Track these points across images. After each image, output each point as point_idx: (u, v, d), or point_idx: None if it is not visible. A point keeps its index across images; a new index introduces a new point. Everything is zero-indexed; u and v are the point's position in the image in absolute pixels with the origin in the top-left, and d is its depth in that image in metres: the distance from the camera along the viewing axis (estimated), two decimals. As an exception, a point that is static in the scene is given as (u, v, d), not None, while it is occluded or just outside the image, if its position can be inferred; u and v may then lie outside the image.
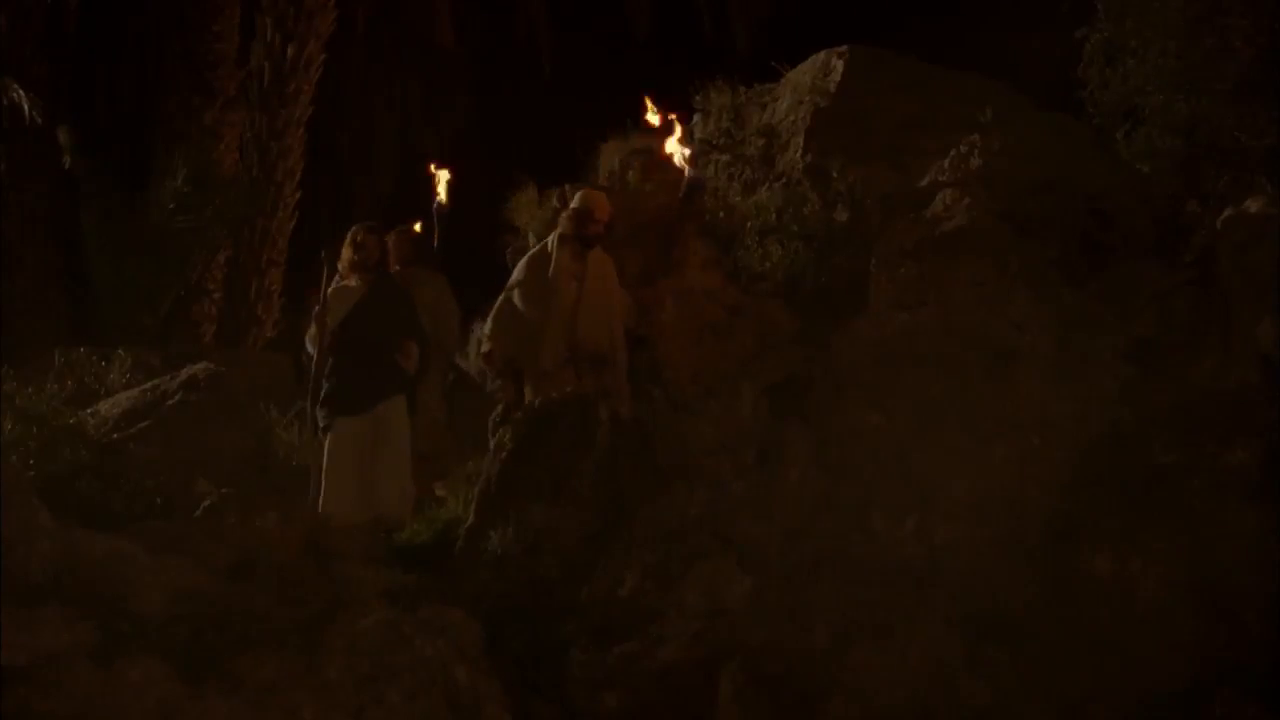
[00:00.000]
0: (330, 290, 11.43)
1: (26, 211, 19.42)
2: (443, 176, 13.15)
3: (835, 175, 12.62)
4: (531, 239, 12.98)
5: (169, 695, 5.88)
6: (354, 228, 11.95)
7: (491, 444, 9.60)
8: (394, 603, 7.47)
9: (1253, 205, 11.29)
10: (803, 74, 13.74)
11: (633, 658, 7.61)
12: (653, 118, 12.40)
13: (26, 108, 17.24)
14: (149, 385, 12.22)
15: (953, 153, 12.41)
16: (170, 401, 11.78)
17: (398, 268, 12.54)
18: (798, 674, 7.47)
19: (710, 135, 14.10)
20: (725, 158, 13.71)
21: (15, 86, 17.36)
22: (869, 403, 11.12)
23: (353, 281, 11.54)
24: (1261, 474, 10.40)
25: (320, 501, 10.62)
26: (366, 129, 28.41)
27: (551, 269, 11.55)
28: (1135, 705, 9.58)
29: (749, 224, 12.60)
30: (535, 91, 27.33)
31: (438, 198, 13.36)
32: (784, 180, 13.01)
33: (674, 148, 11.89)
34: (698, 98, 14.32)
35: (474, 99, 28.63)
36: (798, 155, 13.10)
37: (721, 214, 12.95)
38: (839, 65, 13.38)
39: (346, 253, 11.72)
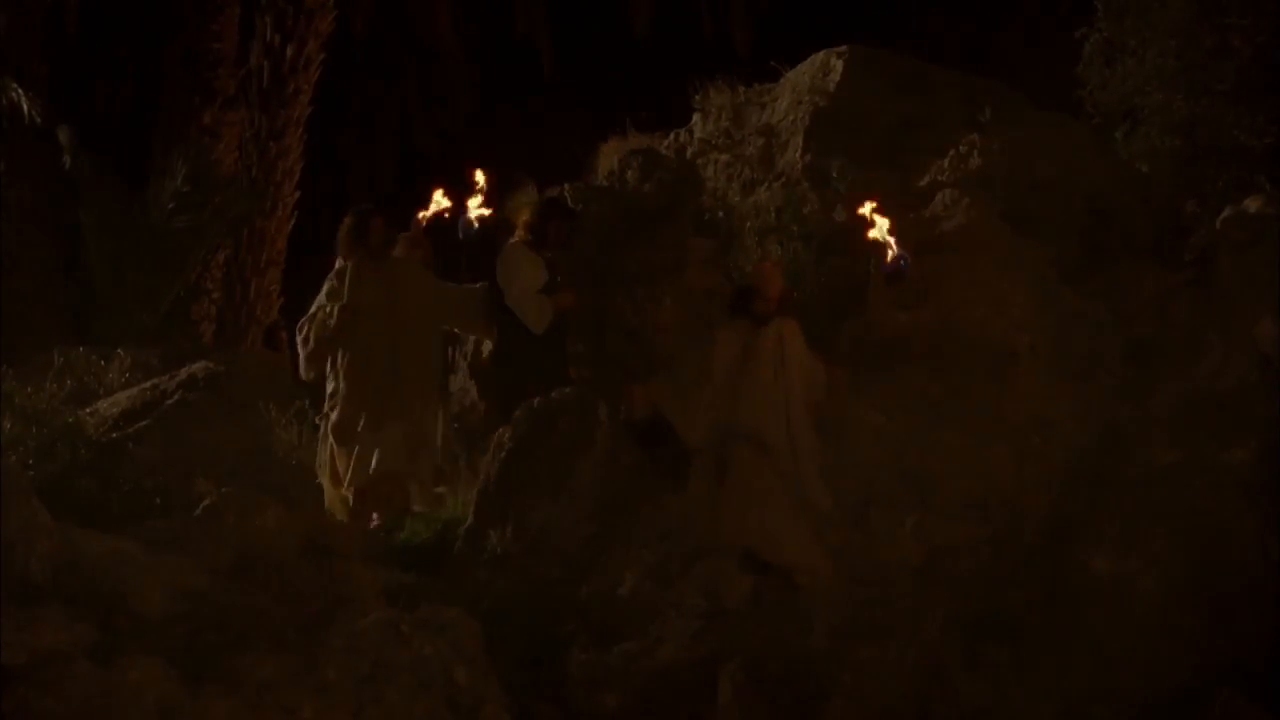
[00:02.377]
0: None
1: (26, 211, 19.37)
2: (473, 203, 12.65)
3: (835, 175, 12.60)
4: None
5: (168, 694, 5.88)
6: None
7: (491, 444, 9.60)
8: (393, 602, 7.48)
9: (1252, 205, 11.30)
10: (802, 74, 13.72)
11: (632, 657, 7.61)
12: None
13: (26, 107, 17.22)
14: (148, 385, 12.20)
15: (952, 153, 12.41)
16: (169, 401, 11.76)
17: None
18: (797, 674, 7.48)
19: (710, 135, 14.08)
20: (725, 157, 13.69)
21: (15, 86, 17.33)
22: (869, 402, 11.12)
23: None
24: (1260, 473, 10.41)
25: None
26: (366, 129, 28.38)
27: (715, 347, 11.06)
28: (1134, 705, 9.58)
29: (748, 224, 12.58)
30: (535, 91, 27.31)
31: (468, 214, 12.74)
32: (783, 180, 12.99)
33: (879, 233, 11.38)
34: (697, 97, 14.31)
35: (473, 98, 28.60)
36: (797, 155, 13.08)
37: (720, 213, 12.93)
38: (838, 65, 13.37)
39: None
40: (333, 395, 11.39)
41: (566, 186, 13.35)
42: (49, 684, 5.80)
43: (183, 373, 12.30)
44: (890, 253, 10.97)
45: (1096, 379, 10.69)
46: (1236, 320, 10.95)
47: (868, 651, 7.68)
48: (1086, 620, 10.13)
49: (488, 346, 11.96)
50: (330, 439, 11.29)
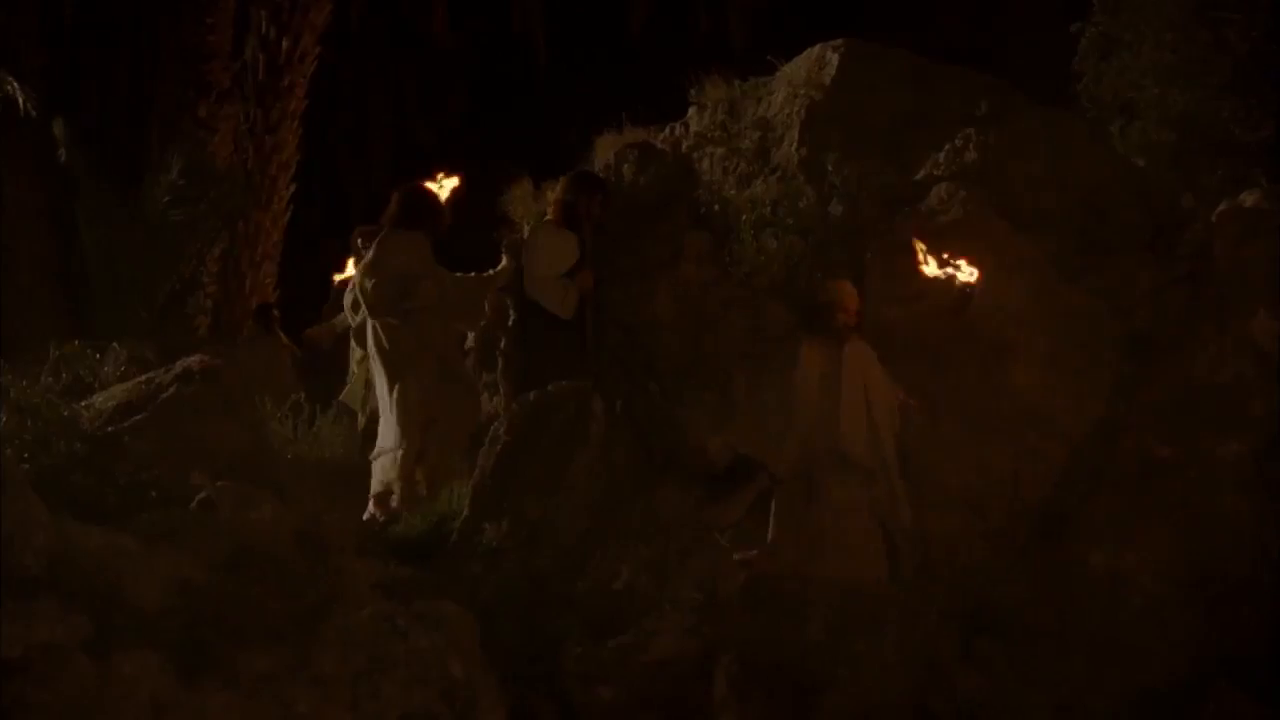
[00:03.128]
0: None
1: (21, 204, 19.36)
2: (449, 185, 12.62)
3: (830, 169, 12.59)
4: (527, 232, 12.93)
5: (163, 687, 5.88)
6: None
7: (486, 437, 9.60)
8: (389, 595, 7.46)
9: (1248, 199, 11.31)
10: (798, 67, 13.71)
11: (628, 650, 7.61)
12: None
13: (21, 100, 17.20)
14: (144, 378, 12.17)
15: (948, 147, 12.41)
16: (165, 394, 11.72)
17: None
18: (793, 667, 7.48)
19: (705, 129, 14.07)
20: (720, 151, 13.67)
21: (10, 79, 17.32)
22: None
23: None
24: (1256, 467, 10.42)
25: None
26: (361, 122, 28.40)
27: (797, 367, 10.97)
28: (1130, 699, 9.59)
29: (744, 217, 12.57)
30: (530, 84, 27.32)
31: None
32: (779, 174, 12.98)
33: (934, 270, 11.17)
34: (693, 91, 14.30)
35: (469, 92, 28.61)
36: (793, 149, 13.08)
37: (716, 207, 12.92)
38: (834, 59, 13.35)
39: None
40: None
41: (562, 179, 13.34)
42: (44, 677, 5.80)
43: (178, 366, 12.28)
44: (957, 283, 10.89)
45: (1093, 373, 10.70)
46: (1233, 315, 10.96)
47: (864, 645, 7.68)
48: (1083, 614, 10.14)
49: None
50: None
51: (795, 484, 10.57)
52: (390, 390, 11.26)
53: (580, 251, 11.37)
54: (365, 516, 10.92)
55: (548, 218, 11.72)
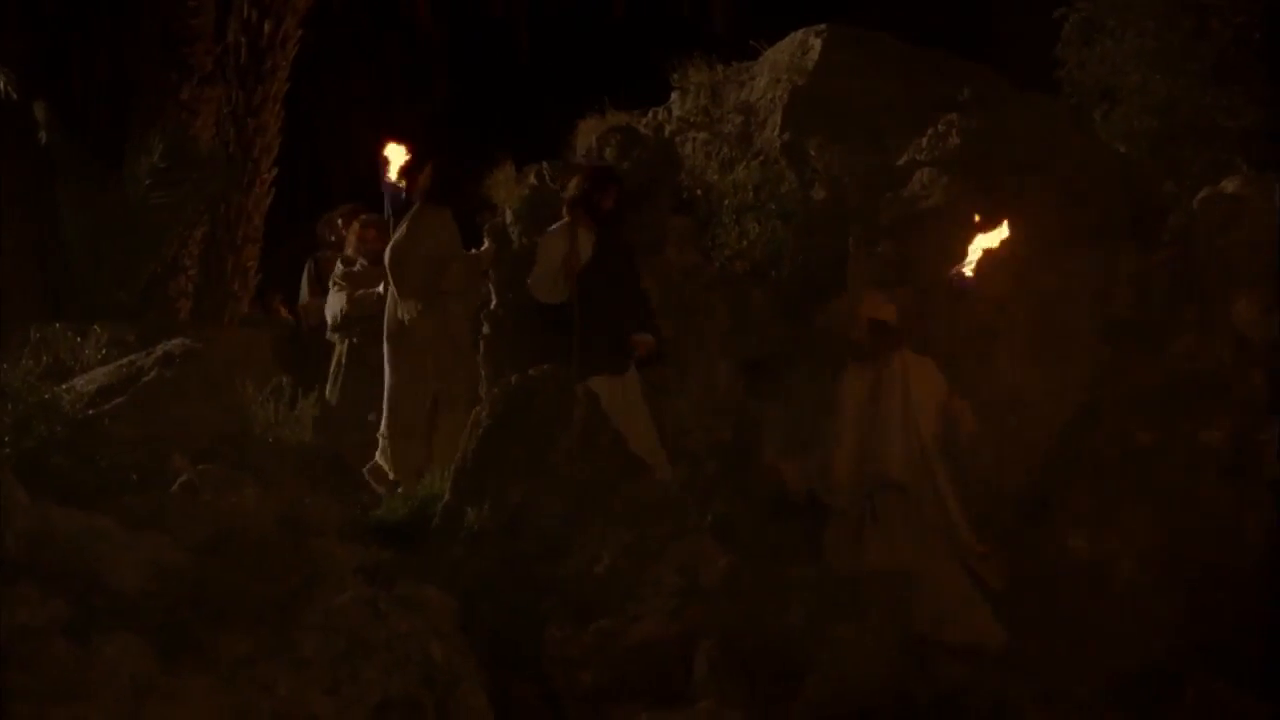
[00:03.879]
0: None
1: (2, 187, 19.31)
2: (398, 155, 12.44)
3: (813, 154, 12.60)
4: (509, 216, 12.92)
5: (144, 671, 5.87)
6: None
7: (469, 421, 9.59)
8: (370, 579, 7.46)
9: (1229, 186, 11.33)
10: (781, 52, 13.71)
11: (609, 635, 7.61)
12: None
13: (2, 83, 17.14)
14: (124, 361, 12.14)
15: (930, 132, 12.41)
16: (146, 377, 11.69)
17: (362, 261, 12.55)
18: (774, 651, 7.49)
19: (688, 113, 14.07)
20: (703, 135, 13.68)
21: (-9, 62, 17.27)
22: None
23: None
24: (1236, 453, 10.44)
25: None
26: (344, 106, 28.32)
27: (843, 387, 10.71)
28: (1110, 683, 9.62)
29: (726, 202, 12.58)
30: (513, 68, 27.26)
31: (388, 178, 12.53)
32: (761, 158, 12.99)
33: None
34: (675, 75, 14.29)
35: (452, 75, 28.54)
36: (775, 133, 13.08)
37: (699, 191, 12.93)
38: (817, 44, 13.36)
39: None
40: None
41: (545, 164, 13.32)
42: (24, 660, 5.79)
43: (159, 349, 12.24)
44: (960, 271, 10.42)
45: (1074, 359, 10.72)
46: (1214, 301, 10.99)
47: (845, 630, 7.69)
48: (1063, 600, 10.17)
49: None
50: None
51: (849, 516, 10.37)
52: (399, 370, 11.22)
53: (594, 249, 11.14)
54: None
55: (560, 223, 11.36)
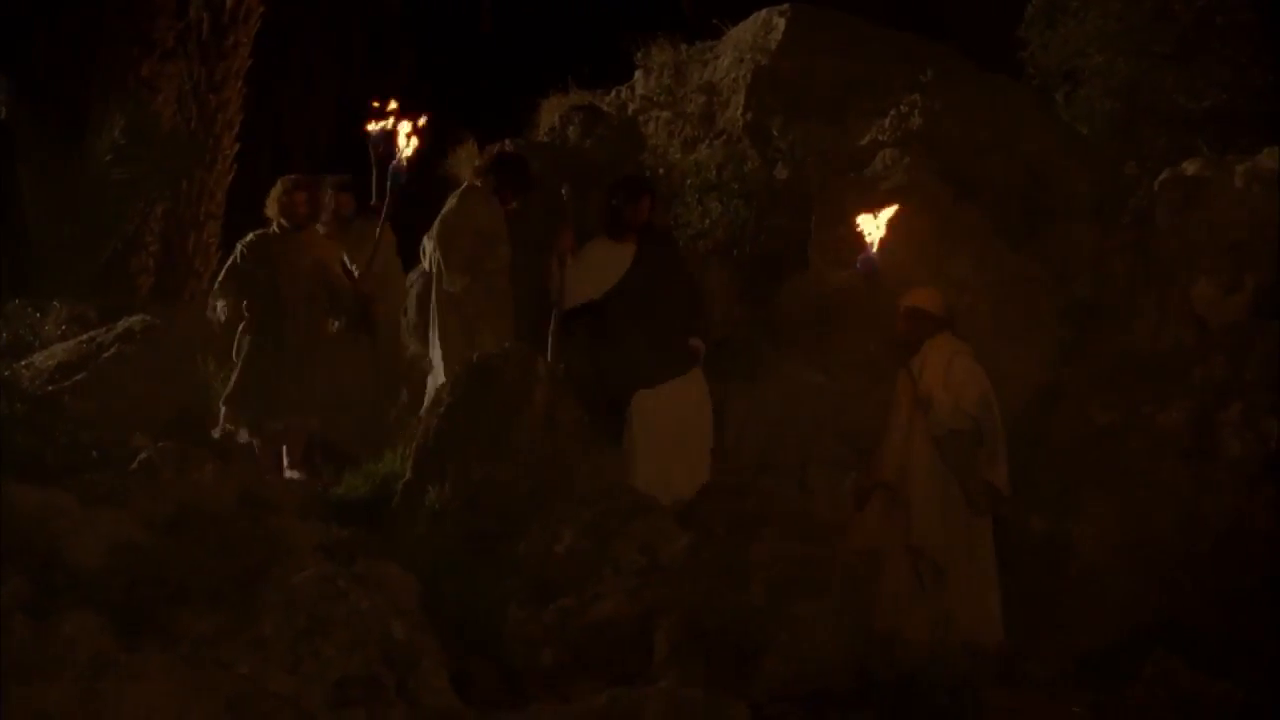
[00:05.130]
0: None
1: (-39, 162, 19.22)
2: (403, 129, 12.13)
3: (776, 133, 12.62)
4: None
5: (103, 648, 5.85)
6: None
7: (429, 399, 9.58)
8: (330, 557, 7.45)
9: (1190, 167, 11.37)
10: (744, 31, 13.73)
11: (569, 613, 7.61)
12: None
13: (-39, 59, 17.06)
14: (85, 338, 12.12)
15: (893, 112, 12.44)
16: (106, 354, 11.67)
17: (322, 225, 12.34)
18: (734, 630, 7.50)
19: (651, 92, 14.07)
20: (666, 114, 13.69)
21: (-51, 36, 17.18)
22: (809, 361, 11.15)
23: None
24: (1196, 435, 10.48)
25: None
26: (306, 82, 28.23)
27: (899, 384, 10.36)
28: (1069, 663, 9.66)
29: (689, 181, 12.60)
30: (476, 46, 27.20)
31: (399, 154, 12.23)
32: (724, 138, 13.01)
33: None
34: (639, 54, 14.30)
35: (415, 53, 28.48)
36: (738, 113, 13.10)
37: (661, 170, 12.93)
38: (780, 23, 13.37)
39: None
40: None
41: (507, 141, 13.31)
42: (-18, 637, 5.78)
43: (120, 326, 12.22)
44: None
45: (1035, 339, 10.76)
46: (1173, 282, 11.03)
47: (805, 608, 7.70)
48: (1024, 579, 10.20)
49: None
50: None
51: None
52: (451, 340, 11.09)
53: (637, 265, 10.80)
54: None
55: (600, 238, 11.03)
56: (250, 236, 12.12)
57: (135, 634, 6.15)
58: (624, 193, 10.93)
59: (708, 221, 12.25)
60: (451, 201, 11.25)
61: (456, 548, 8.26)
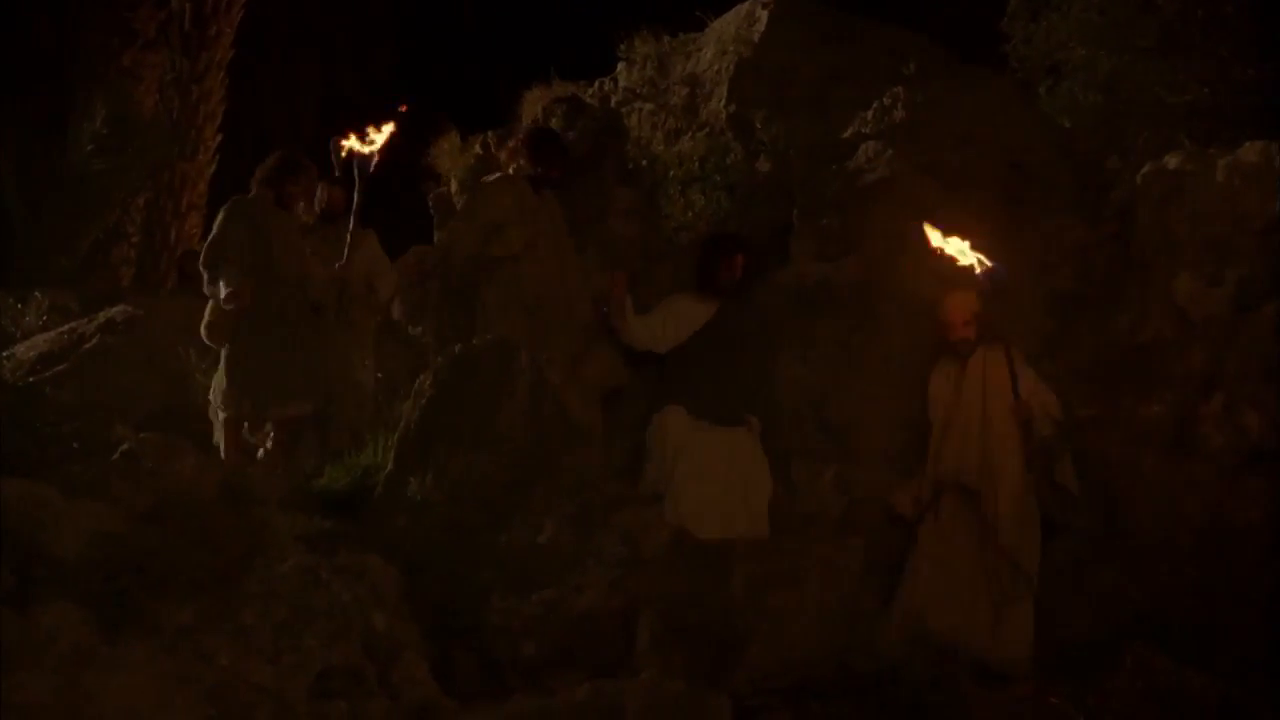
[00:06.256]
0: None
1: (-57, 153, 19.19)
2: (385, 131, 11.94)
3: (758, 125, 12.61)
4: (454, 185, 12.88)
5: (84, 639, 5.85)
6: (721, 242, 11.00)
7: (413, 390, 9.57)
8: (312, 548, 7.45)
9: (1172, 161, 11.36)
10: (727, 24, 13.72)
11: (551, 605, 7.62)
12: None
13: (-59, 50, 17.04)
14: (66, 328, 12.12)
15: (876, 105, 12.42)
16: (87, 345, 11.68)
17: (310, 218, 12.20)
18: (715, 622, 7.51)
19: (634, 84, 14.06)
20: (649, 106, 13.67)
21: (-70, 27, 17.15)
22: (790, 353, 11.15)
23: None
24: (1176, 428, 10.50)
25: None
26: (289, 73, 28.21)
27: (932, 387, 10.59)
28: (1048, 654, 9.69)
29: (672, 173, 12.59)
30: (459, 37, 27.20)
31: (370, 148, 11.55)
32: (707, 130, 13.00)
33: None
34: (622, 46, 14.28)
35: (397, 43, 28.47)
36: (721, 105, 13.09)
37: (644, 162, 12.93)
38: (763, 15, 13.36)
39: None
40: None
41: (490, 134, 13.29)
42: (-38, 629, 5.77)
43: (101, 316, 12.22)
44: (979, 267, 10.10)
45: (1016, 332, 10.74)
46: (1155, 275, 11.03)
47: (785, 600, 7.71)
48: (1003, 571, 10.21)
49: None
50: None
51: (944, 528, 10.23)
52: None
53: (721, 316, 10.80)
54: None
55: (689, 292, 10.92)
56: (236, 202, 11.46)
57: (116, 625, 6.14)
58: (719, 252, 10.85)
59: (690, 214, 12.25)
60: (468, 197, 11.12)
61: (438, 539, 8.25)
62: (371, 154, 11.28)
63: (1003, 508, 9.99)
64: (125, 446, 8.22)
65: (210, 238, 11.28)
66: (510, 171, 10.99)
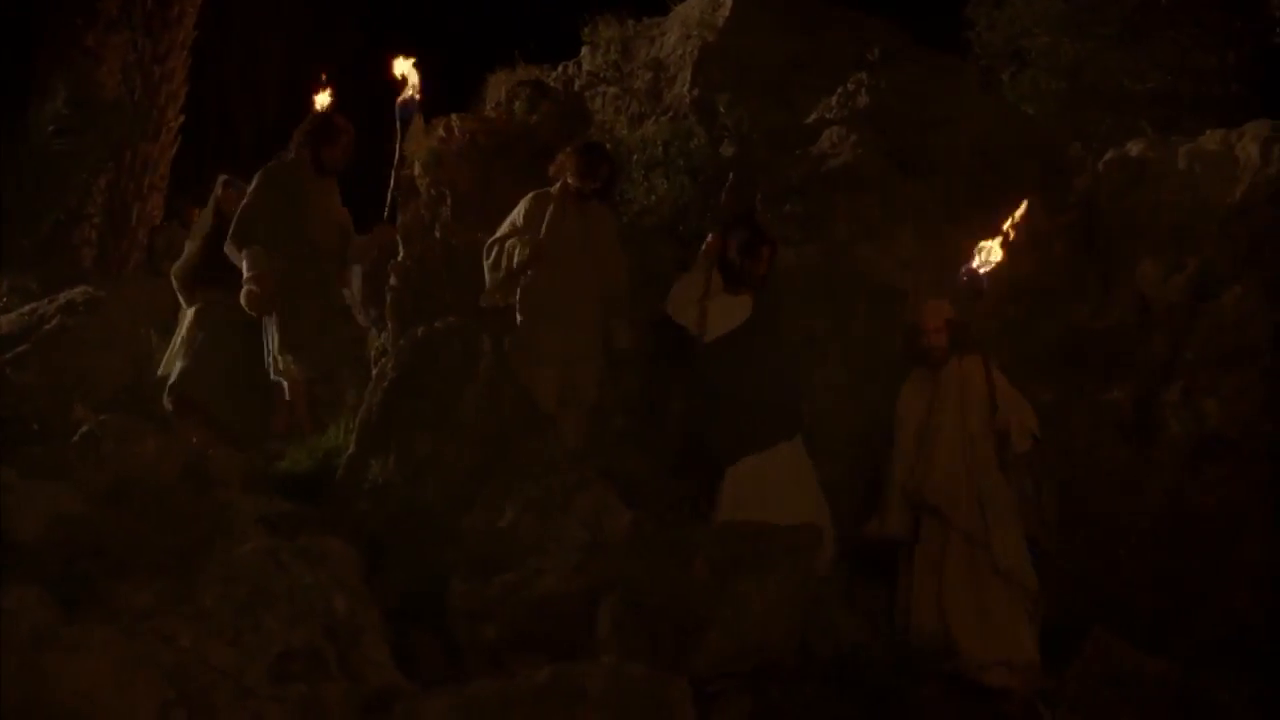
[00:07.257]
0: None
1: (-98, 134, 19.08)
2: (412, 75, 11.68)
3: (722, 110, 12.61)
4: (418, 168, 12.84)
5: (44, 621, 5.82)
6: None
7: (374, 372, 9.56)
8: (273, 530, 7.44)
9: (1134, 148, 11.42)
10: (691, 8, 13.71)
11: (512, 589, 7.61)
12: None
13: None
14: (26, 309, 12.07)
15: (840, 90, 12.44)
16: (48, 326, 11.62)
17: None
18: (676, 606, 7.51)
19: (598, 68, 14.04)
20: (613, 90, 13.66)
21: (-109, 6, 17.05)
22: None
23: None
24: (1137, 414, 10.55)
25: None
26: (251, 54, 28.12)
27: (903, 401, 10.33)
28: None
29: (635, 157, 12.57)
30: (423, 20, 27.15)
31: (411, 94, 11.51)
32: (671, 114, 12.99)
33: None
34: (586, 30, 14.27)
35: (361, 26, 28.40)
36: (685, 90, 13.08)
37: (608, 146, 12.92)
38: (728, 0, 13.37)
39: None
40: None
41: (453, 116, 13.26)
42: (-79, 610, 5.75)
43: (62, 297, 12.17)
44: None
45: (975, 316, 10.75)
46: (1116, 262, 11.08)
47: (747, 585, 7.71)
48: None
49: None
50: None
51: (930, 545, 9.97)
52: None
53: (753, 310, 10.40)
54: None
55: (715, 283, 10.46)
56: (271, 169, 11.11)
57: (76, 607, 6.12)
58: (742, 246, 10.35)
59: (653, 198, 12.24)
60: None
61: (399, 522, 8.25)
62: (412, 97, 11.19)
63: (996, 535, 9.78)
64: (85, 428, 8.20)
65: (242, 206, 10.95)
66: (563, 182, 10.81)
